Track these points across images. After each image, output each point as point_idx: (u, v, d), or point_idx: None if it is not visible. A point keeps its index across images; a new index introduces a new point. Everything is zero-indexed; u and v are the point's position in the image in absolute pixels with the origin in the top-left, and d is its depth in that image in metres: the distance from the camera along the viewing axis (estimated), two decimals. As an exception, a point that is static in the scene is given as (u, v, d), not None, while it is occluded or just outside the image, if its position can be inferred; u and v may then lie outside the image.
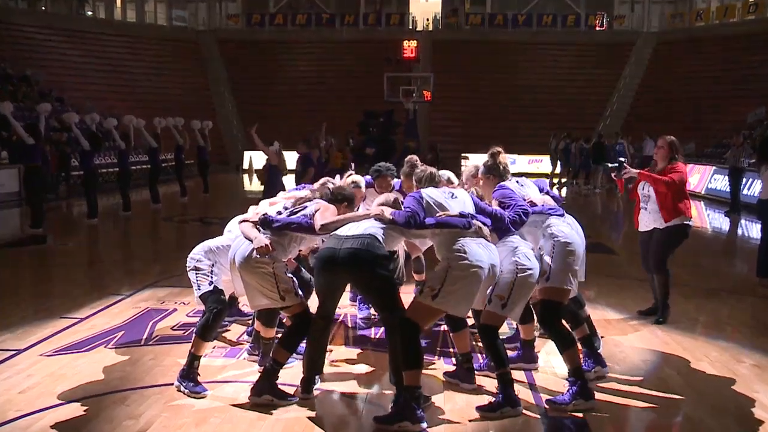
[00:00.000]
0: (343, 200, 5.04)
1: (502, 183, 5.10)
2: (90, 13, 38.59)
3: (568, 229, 4.94)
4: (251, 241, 4.71)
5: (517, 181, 5.23)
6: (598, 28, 38.75)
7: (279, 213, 4.98)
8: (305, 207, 4.95)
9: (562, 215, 5.04)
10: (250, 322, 6.14)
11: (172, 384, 4.87)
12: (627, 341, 6.22)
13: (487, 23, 39.18)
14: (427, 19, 40.45)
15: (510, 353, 5.50)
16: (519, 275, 4.59)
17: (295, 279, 4.82)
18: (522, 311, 4.84)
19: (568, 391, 4.65)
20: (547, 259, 4.82)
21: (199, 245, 5.30)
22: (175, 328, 6.44)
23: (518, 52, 37.08)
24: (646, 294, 7.31)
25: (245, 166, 30.43)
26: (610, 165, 6.89)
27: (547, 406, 4.66)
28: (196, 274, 5.11)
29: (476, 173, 5.45)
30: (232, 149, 33.46)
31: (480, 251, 4.42)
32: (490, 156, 5.24)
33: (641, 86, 35.30)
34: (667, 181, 6.51)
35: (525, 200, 4.97)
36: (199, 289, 5.05)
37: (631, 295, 7.55)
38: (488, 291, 4.65)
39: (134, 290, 7.92)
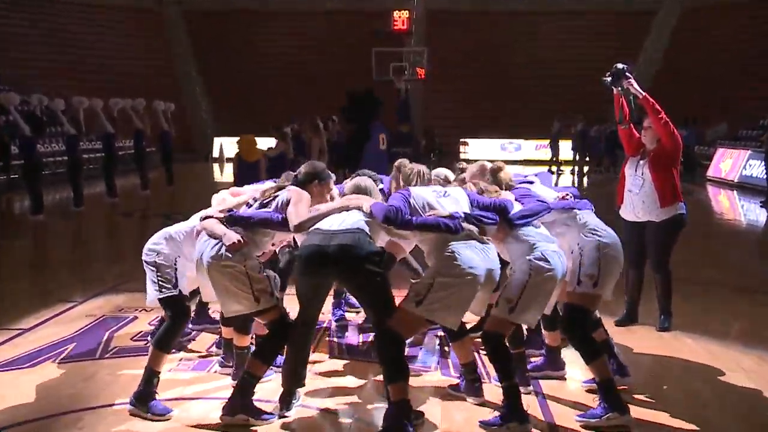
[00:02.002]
0: (314, 178, 5.07)
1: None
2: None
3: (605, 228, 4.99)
4: (218, 239, 4.68)
5: (529, 181, 5.33)
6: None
7: (248, 206, 4.97)
8: (276, 197, 4.94)
9: (592, 210, 5.06)
10: (220, 330, 6.12)
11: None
12: (649, 349, 6.22)
13: (487, -11, 39.15)
14: (420, -14, 40.39)
15: (535, 360, 5.58)
16: (533, 276, 4.58)
17: (271, 278, 4.78)
18: (539, 316, 4.84)
19: (599, 405, 4.66)
20: (587, 260, 4.82)
21: (157, 234, 5.23)
22: (135, 338, 6.40)
23: (524, 24, 37.04)
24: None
25: (215, 154, 30.36)
26: (605, 77, 6.33)
27: (558, 423, 4.66)
28: (157, 271, 5.02)
29: (481, 173, 5.44)
30: (200, 135, 33.35)
31: (473, 256, 4.42)
32: (490, 173, 5.36)
33: (664, 61, 35.36)
34: (672, 128, 6.38)
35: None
36: (160, 292, 4.98)
37: (653, 296, 7.53)
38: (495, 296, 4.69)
39: (87, 296, 7.87)
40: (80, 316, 7.10)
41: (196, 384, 5.31)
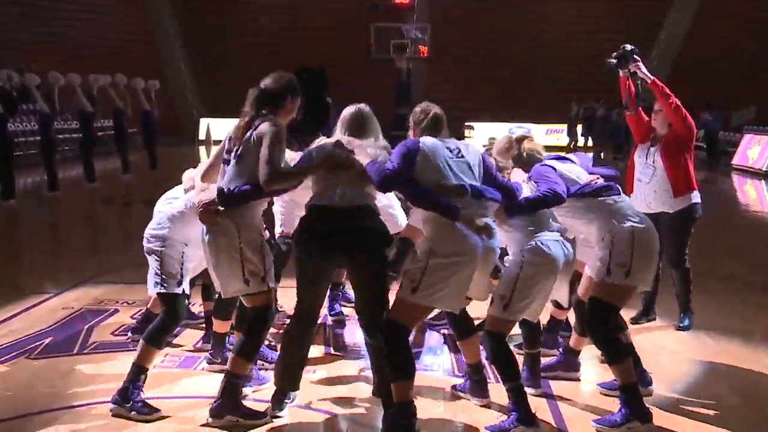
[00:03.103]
0: (288, 92, 4.76)
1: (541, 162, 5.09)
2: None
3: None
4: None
5: (558, 158, 5.19)
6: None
7: (226, 162, 4.77)
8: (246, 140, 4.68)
9: (619, 193, 4.99)
10: (204, 325, 6.15)
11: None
12: (668, 350, 6.25)
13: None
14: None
15: (548, 360, 5.58)
16: (525, 269, 4.59)
17: (267, 261, 4.63)
18: (540, 311, 4.85)
19: (619, 411, 4.66)
20: (618, 248, 4.75)
21: (160, 214, 5.22)
22: (116, 332, 6.41)
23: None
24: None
25: (202, 136, 30.32)
26: (609, 59, 6.29)
27: (570, 429, 4.69)
28: (161, 263, 4.99)
29: (508, 148, 5.40)
30: (186, 115, 33.30)
31: (469, 232, 4.35)
32: (515, 142, 5.27)
33: (687, 38, 35.25)
34: (684, 113, 6.36)
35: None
36: (161, 286, 4.97)
37: (671, 291, 7.55)
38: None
39: (64, 288, 7.89)
40: (56, 308, 7.11)
41: (183, 381, 5.33)
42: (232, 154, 4.55)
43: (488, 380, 5.14)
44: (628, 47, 6.26)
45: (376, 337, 4.53)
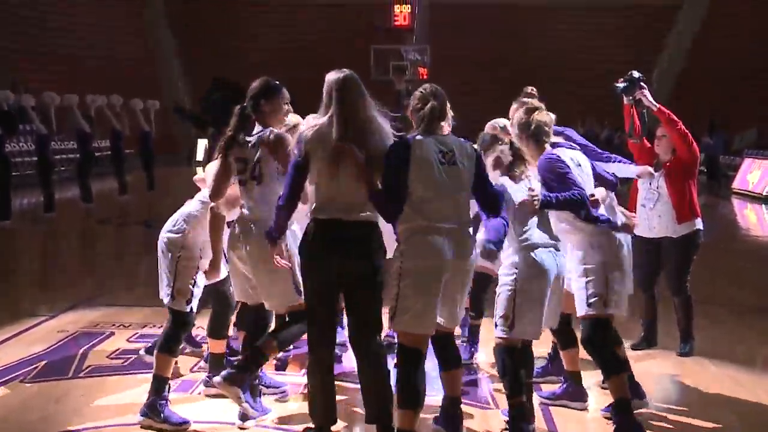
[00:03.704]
0: (261, 96, 4.89)
1: (551, 152, 4.94)
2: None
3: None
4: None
5: (569, 146, 5.14)
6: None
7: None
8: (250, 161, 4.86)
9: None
10: (205, 350, 6.12)
11: (108, 426, 4.81)
12: (669, 376, 6.23)
13: (497, -17, 39.29)
14: (423, -22, 40.53)
15: (552, 387, 5.56)
16: (520, 284, 4.61)
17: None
18: (541, 324, 4.79)
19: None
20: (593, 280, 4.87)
21: (177, 214, 5.21)
22: (112, 356, 6.38)
23: (535, 18, 37.18)
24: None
25: (199, 156, 30.30)
26: (617, 83, 6.25)
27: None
28: (175, 274, 5.00)
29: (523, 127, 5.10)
30: (183, 135, 33.33)
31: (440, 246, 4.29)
32: (524, 112, 5.04)
33: (689, 60, 35.43)
34: (690, 139, 6.37)
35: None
36: (172, 300, 4.99)
37: (672, 317, 7.53)
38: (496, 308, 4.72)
39: (59, 310, 7.86)
40: (51, 331, 7.08)
41: (179, 407, 5.29)
42: (248, 174, 4.72)
43: (463, 419, 4.92)
44: (636, 74, 6.23)
45: (365, 360, 4.44)
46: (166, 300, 5.03)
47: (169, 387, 4.93)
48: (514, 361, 4.66)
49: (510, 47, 35.61)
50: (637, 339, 6.83)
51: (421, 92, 4.57)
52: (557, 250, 4.78)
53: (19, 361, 6.17)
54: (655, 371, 6.28)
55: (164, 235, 5.13)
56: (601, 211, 4.95)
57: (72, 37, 34.23)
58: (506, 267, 4.71)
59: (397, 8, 33.95)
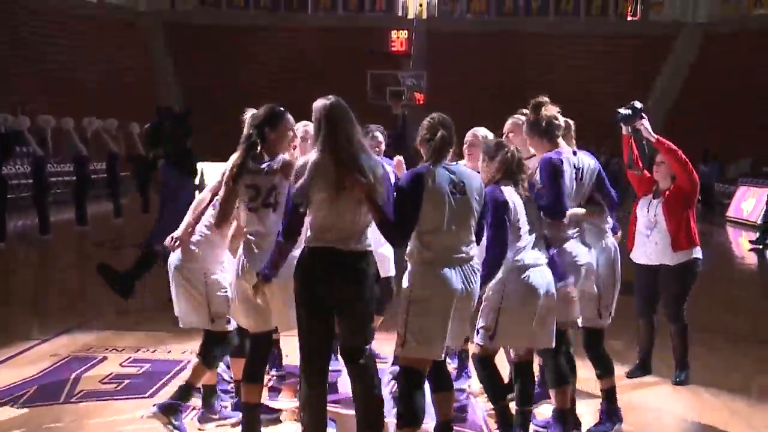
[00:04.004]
0: (266, 124, 4.88)
1: (557, 150, 5.03)
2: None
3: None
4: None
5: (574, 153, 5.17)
6: (630, 18, 39.22)
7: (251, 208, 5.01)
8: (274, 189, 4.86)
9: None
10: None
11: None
12: (664, 405, 6.20)
13: (494, 10, 39.60)
14: (420, 5, 40.75)
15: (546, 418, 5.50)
16: (506, 301, 4.68)
17: None
18: (526, 341, 4.86)
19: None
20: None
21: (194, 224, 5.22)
22: (104, 381, 6.33)
23: (531, 47, 37.41)
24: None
25: (196, 180, 30.31)
26: (621, 110, 6.26)
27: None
28: (210, 301, 5.06)
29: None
30: (178, 159, 33.30)
31: (450, 276, 4.39)
32: (532, 110, 5.14)
33: (683, 90, 35.64)
34: (691, 169, 6.40)
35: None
36: (212, 322, 5.07)
37: (667, 344, 7.52)
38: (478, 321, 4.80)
39: (51, 334, 7.82)
40: (43, 355, 7.03)
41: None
42: (260, 201, 4.71)
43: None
44: (637, 104, 6.23)
45: (358, 382, 4.45)
46: (207, 326, 5.10)
47: (192, 396, 5.08)
48: (491, 371, 4.81)
49: (506, 74, 35.76)
50: (632, 366, 6.81)
51: (430, 121, 4.62)
52: (548, 266, 4.83)
53: (10, 385, 6.13)
54: (650, 399, 6.26)
55: (185, 266, 5.12)
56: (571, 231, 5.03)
57: (72, 60, 34.37)
58: (496, 282, 4.73)
59: (394, 34, 34.14)
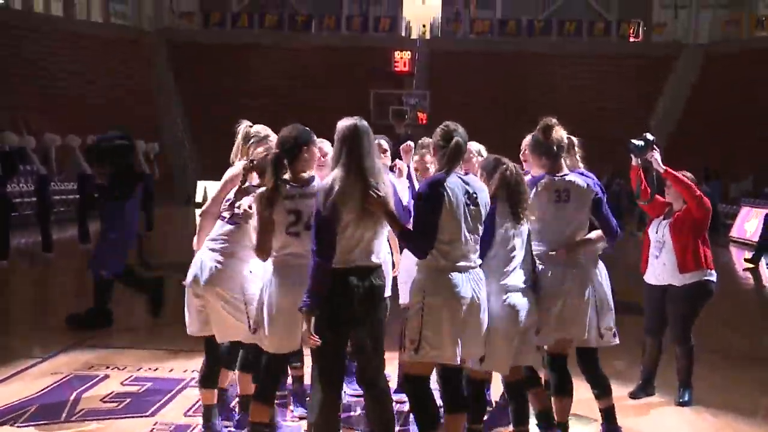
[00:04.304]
0: (303, 143, 4.77)
1: (544, 174, 5.13)
2: (2, 1, 37.04)
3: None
4: None
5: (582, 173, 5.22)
6: (632, 39, 39.38)
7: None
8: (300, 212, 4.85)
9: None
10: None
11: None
12: (667, 426, 6.17)
13: (497, 31, 39.78)
14: (424, 25, 41.01)
15: None
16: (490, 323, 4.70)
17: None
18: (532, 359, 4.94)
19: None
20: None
21: (208, 263, 5.11)
22: (105, 399, 6.31)
23: (534, 67, 37.56)
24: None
25: (198, 198, 30.34)
26: (634, 141, 6.27)
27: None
28: (245, 307, 5.04)
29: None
30: (182, 177, 33.39)
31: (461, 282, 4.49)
32: (540, 131, 5.20)
33: (685, 110, 35.73)
34: (701, 197, 6.43)
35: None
36: (254, 332, 4.91)
37: (671, 363, 7.49)
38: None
39: (53, 352, 7.79)
40: (45, 373, 7.02)
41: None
42: (303, 225, 4.61)
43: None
44: (650, 136, 6.28)
45: (373, 395, 4.56)
46: (248, 338, 4.99)
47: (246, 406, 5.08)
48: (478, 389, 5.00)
49: (509, 94, 35.88)
50: (634, 387, 6.78)
51: (444, 129, 4.69)
52: (531, 289, 4.88)
53: (11, 404, 6.11)
54: (653, 420, 6.23)
55: (220, 290, 5.05)
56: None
57: (76, 78, 34.49)
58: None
59: (397, 54, 34.29)
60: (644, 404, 6.61)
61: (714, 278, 6.56)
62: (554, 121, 5.20)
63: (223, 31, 39.92)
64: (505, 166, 4.93)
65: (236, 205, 5.00)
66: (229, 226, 5.08)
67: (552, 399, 5.24)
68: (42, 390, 6.52)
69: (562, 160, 5.19)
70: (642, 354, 6.82)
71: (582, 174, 5.26)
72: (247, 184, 5.06)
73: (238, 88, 36.40)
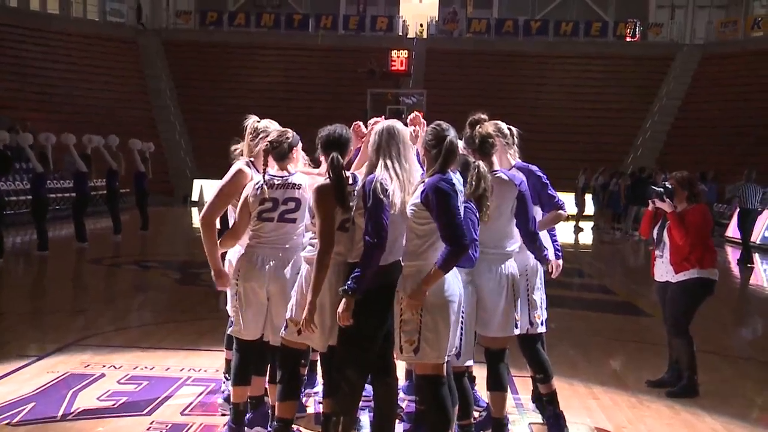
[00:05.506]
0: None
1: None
2: (-2, -1, 36.79)
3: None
4: None
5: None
6: (629, 39, 39.40)
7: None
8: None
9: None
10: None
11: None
12: (665, 428, 6.16)
13: (494, 31, 39.77)
14: (421, 25, 41.01)
15: None
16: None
17: None
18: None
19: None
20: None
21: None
22: (102, 398, 6.30)
23: (531, 67, 37.60)
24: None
25: (194, 197, 30.33)
26: (655, 187, 6.78)
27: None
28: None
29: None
30: (178, 176, 33.35)
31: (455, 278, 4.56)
32: (468, 125, 5.24)
33: (681, 110, 35.75)
34: (687, 228, 6.62)
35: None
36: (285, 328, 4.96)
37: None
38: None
39: (49, 351, 7.78)
40: (40, 372, 6.99)
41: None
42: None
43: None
44: (669, 185, 6.71)
45: (384, 398, 4.73)
46: (281, 335, 4.97)
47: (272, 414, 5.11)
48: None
49: (506, 94, 35.85)
50: (641, 384, 7.02)
51: (435, 128, 4.68)
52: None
53: (7, 403, 6.09)
54: (650, 423, 6.23)
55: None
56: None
57: (71, 77, 34.44)
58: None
59: (394, 54, 34.25)
60: (641, 404, 6.62)
61: (713, 277, 6.75)
62: (483, 116, 5.27)
63: (220, 31, 39.89)
64: (474, 166, 4.86)
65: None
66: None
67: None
68: (38, 389, 6.50)
69: (494, 156, 5.19)
70: (670, 356, 7.07)
71: (520, 168, 5.37)
72: (267, 175, 5.16)
73: (234, 88, 36.36)
